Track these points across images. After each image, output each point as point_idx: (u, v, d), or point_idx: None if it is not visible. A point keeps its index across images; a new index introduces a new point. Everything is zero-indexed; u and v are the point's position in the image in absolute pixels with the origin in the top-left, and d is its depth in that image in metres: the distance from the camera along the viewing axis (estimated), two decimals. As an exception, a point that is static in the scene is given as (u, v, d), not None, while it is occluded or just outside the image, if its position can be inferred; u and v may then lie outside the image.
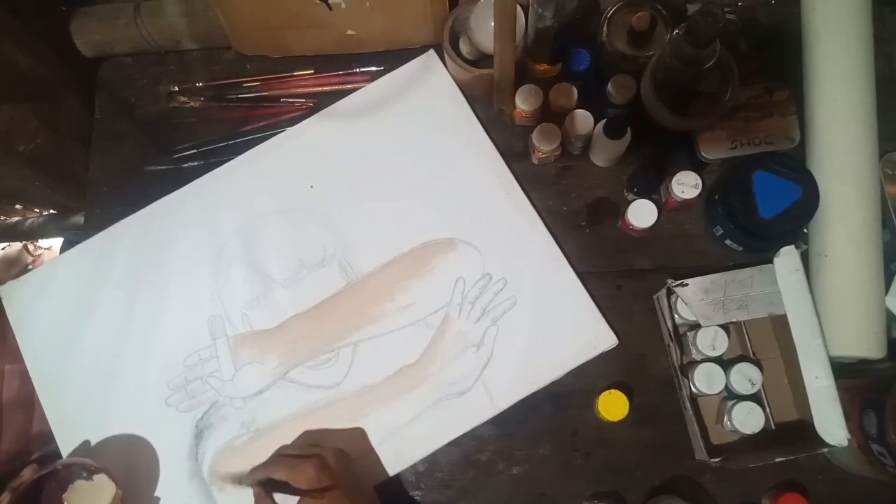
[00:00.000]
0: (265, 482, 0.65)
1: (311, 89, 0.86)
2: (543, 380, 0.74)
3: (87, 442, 0.75)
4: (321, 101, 0.85)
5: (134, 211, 0.82)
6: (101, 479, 0.69)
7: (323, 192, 0.81)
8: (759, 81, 0.77)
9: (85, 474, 0.70)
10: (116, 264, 0.81)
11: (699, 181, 0.72)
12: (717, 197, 0.74)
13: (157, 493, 0.74)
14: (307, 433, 0.74)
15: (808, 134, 0.74)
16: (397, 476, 0.73)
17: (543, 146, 0.75)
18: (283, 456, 0.67)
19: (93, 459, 0.70)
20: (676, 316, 0.73)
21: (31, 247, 1.34)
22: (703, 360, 0.71)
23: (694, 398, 0.72)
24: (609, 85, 0.76)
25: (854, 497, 0.71)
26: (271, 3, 0.78)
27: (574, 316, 0.75)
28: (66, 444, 0.75)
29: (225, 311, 0.78)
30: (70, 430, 0.76)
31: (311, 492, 0.63)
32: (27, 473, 0.67)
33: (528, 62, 0.78)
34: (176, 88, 0.87)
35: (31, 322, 0.79)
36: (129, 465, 0.73)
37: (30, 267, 1.32)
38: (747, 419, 0.68)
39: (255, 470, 0.67)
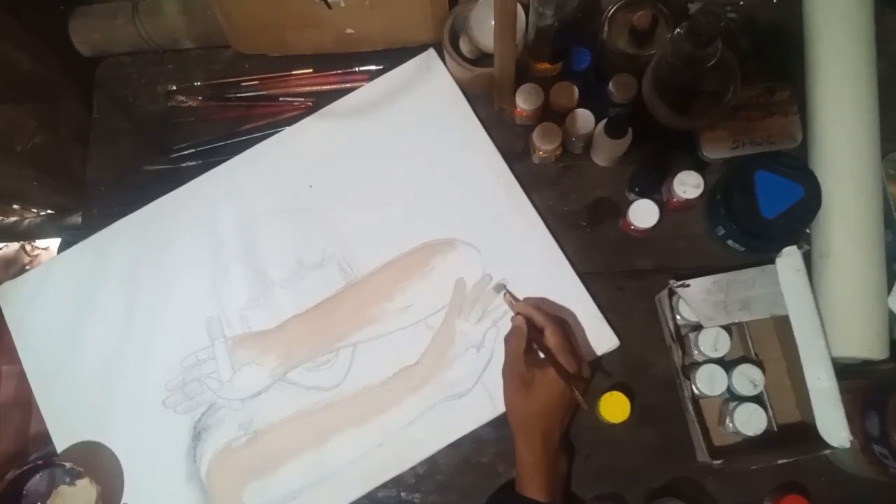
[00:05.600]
0: (528, 318, 0.69)
1: (309, 88, 0.86)
2: (544, 381, 0.73)
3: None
4: (320, 101, 0.84)
5: (132, 211, 0.82)
6: (84, 484, 0.70)
7: (322, 191, 0.81)
8: (760, 81, 0.77)
9: (68, 479, 0.71)
10: (114, 265, 0.80)
11: (701, 181, 0.72)
12: (718, 197, 0.73)
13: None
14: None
15: (811, 134, 0.74)
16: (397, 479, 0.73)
17: (544, 146, 0.75)
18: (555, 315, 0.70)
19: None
20: (678, 317, 0.72)
21: (28, 247, 1.34)
22: (704, 362, 0.70)
23: (696, 399, 0.71)
24: (610, 84, 0.75)
25: (856, 498, 0.70)
26: (270, 2, 0.78)
27: (575, 317, 0.75)
28: (64, 446, 0.75)
29: (223, 311, 0.78)
30: (67, 431, 0.76)
31: (563, 366, 0.65)
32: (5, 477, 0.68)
33: (529, 61, 0.78)
34: (174, 88, 0.87)
35: (29, 322, 0.79)
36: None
37: (27, 267, 1.31)
38: (749, 421, 0.68)
39: (526, 302, 0.72)
